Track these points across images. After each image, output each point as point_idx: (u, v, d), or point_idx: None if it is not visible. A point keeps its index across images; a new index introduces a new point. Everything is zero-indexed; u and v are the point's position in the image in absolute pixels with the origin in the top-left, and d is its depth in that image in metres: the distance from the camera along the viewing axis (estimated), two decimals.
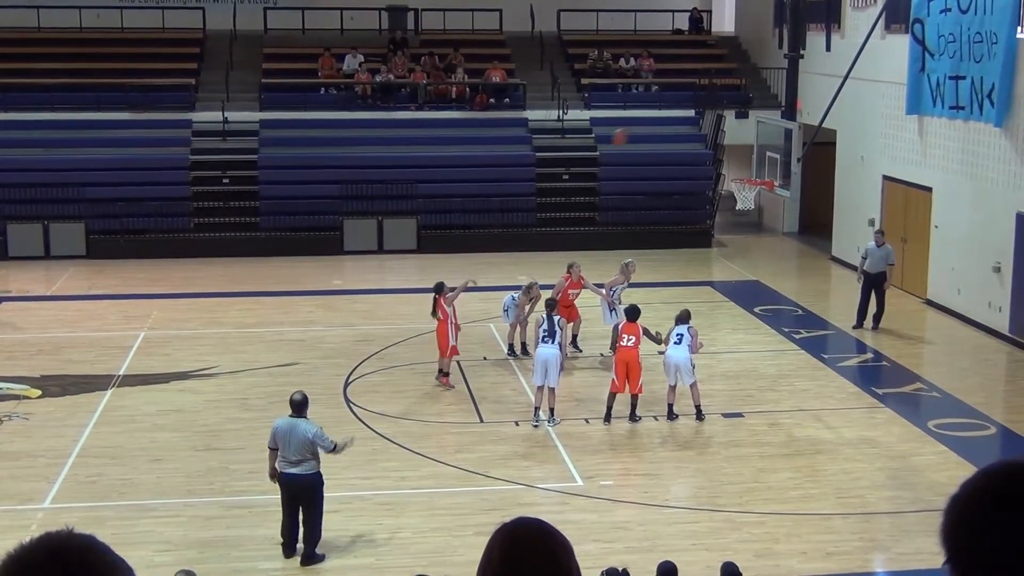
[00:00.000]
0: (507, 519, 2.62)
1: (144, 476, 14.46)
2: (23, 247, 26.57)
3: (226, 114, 29.34)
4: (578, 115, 30.86)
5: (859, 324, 21.54)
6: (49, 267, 26.15)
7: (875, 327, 21.41)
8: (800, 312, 23.18)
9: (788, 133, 26.32)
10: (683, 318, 16.86)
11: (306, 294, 23.94)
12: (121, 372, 18.65)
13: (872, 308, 21.44)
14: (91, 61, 30.46)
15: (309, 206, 28.41)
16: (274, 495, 13.74)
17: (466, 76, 31.31)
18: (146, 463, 14.87)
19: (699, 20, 35.44)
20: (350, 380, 18.35)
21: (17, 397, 17.33)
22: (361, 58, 31.27)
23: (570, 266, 19.46)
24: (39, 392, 17.54)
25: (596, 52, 32.56)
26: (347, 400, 17.40)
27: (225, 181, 28.82)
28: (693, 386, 16.47)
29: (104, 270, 26.05)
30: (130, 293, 24.01)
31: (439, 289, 17.95)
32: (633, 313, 16.84)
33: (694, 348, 16.54)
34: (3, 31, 31.15)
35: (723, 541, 12.62)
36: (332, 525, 12.99)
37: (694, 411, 16.51)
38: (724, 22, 37.09)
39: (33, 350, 20.01)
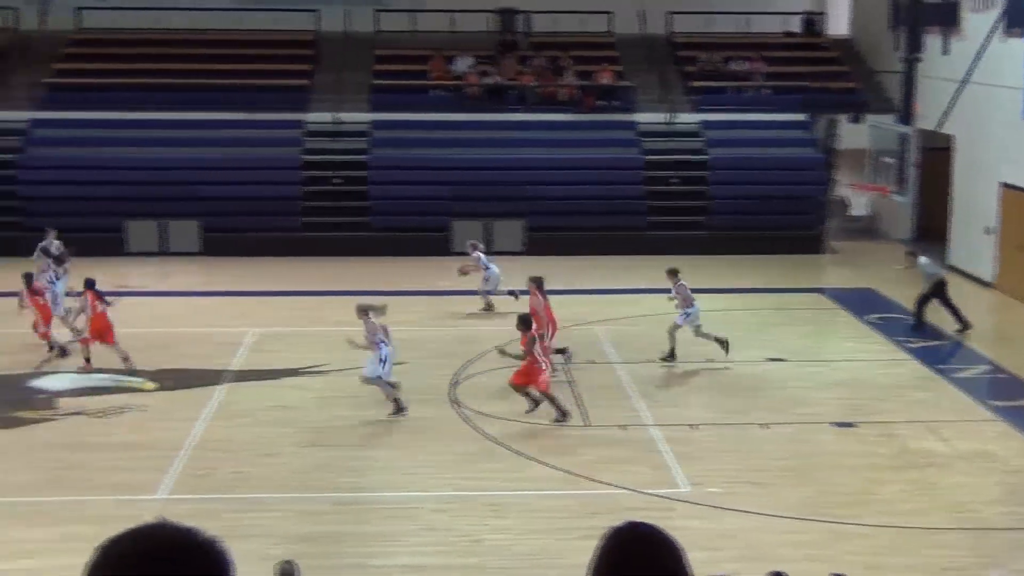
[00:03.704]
0: (619, 522, 2.60)
1: (255, 470, 14.71)
2: (141, 243, 27.25)
3: (338, 115, 29.72)
4: (687, 118, 30.61)
5: (964, 327, 21.09)
6: (165, 263, 26.74)
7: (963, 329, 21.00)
8: (914, 321, 22.63)
9: (904, 137, 25.80)
10: None
11: (412, 294, 24.08)
12: (233, 368, 19.01)
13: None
14: (208, 62, 31.07)
15: (418, 207, 28.63)
16: (378, 492, 13.89)
17: (575, 78, 31.27)
18: (257, 457, 15.13)
19: (813, 23, 34.90)
20: (458, 381, 18.43)
21: (133, 390, 17.77)
22: (471, 60, 31.43)
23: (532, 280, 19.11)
24: (155, 385, 17.96)
25: (706, 54, 32.26)
26: (454, 401, 17.46)
27: (336, 181, 29.19)
28: None
29: (219, 267, 26.57)
30: (243, 290, 24.45)
31: (29, 280, 19.04)
32: None
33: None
34: (126, 32, 31.99)
35: (830, 552, 12.39)
36: (437, 524, 13.07)
37: None
38: (839, 25, 36.46)
39: (148, 344, 20.45)
